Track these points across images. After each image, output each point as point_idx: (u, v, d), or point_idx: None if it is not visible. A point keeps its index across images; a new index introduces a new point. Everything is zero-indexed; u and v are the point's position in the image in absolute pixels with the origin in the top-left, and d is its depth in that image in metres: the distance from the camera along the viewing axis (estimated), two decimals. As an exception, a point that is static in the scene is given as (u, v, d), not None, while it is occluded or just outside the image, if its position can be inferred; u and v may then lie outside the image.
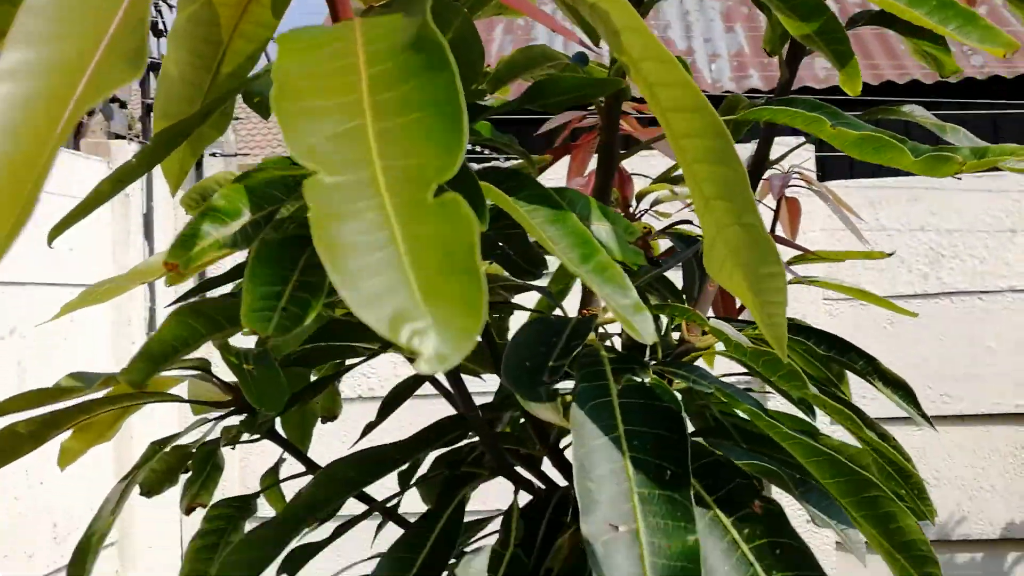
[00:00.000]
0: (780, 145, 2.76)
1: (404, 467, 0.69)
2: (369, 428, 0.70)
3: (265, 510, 0.70)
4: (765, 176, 0.87)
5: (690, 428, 0.77)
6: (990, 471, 2.39)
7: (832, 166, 3.18)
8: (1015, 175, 2.47)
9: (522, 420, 0.69)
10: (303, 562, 0.64)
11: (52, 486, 2.11)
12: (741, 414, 0.70)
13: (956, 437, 2.42)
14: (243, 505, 0.64)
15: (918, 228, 2.48)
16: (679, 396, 0.55)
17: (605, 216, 0.51)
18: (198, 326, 0.47)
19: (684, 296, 0.70)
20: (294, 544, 0.66)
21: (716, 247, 0.42)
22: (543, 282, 0.68)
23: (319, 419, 0.81)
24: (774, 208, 0.91)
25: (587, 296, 0.62)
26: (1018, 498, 2.36)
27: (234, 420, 0.71)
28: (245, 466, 2.40)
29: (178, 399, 0.66)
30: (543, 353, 0.51)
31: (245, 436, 0.71)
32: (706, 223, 0.43)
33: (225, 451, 0.70)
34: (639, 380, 0.54)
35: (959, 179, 0.61)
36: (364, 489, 0.62)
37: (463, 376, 0.62)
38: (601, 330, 0.72)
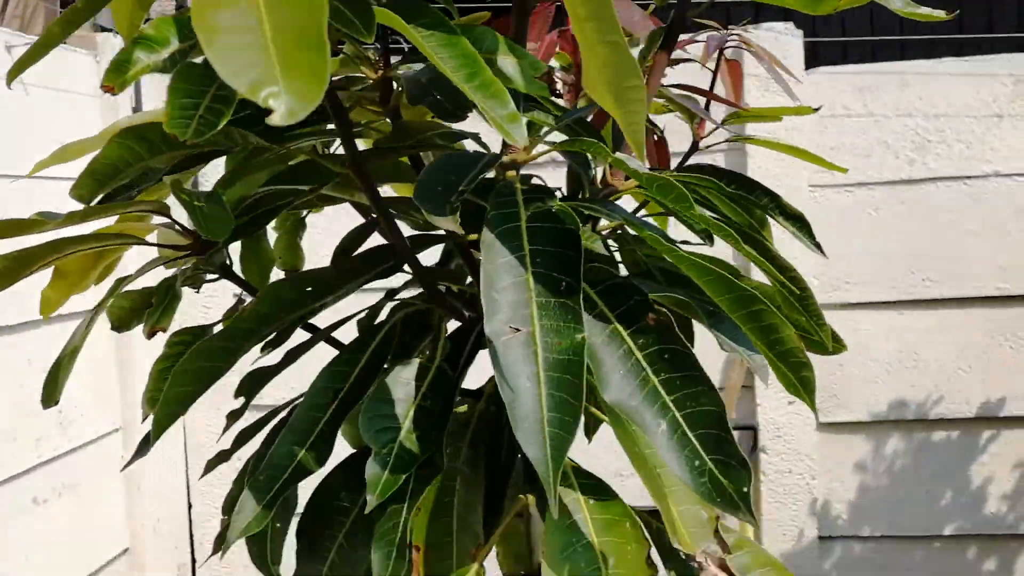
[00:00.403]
0: (768, 31, 2.76)
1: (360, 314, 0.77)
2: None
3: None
4: (702, 37, 0.92)
5: (624, 273, 0.85)
6: (968, 352, 2.47)
7: (824, 52, 3.19)
8: (1002, 60, 2.49)
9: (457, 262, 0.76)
10: (259, 386, 0.73)
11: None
12: (667, 259, 0.77)
13: (936, 320, 2.49)
14: (201, 332, 0.72)
15: (906, 114, 2.52)
16: (580, 222, 0.62)
17: (512, 52, 0.57)
18: (138, 148, 0.54)
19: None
20: (249, 368, 0.74)
21: (590, 66, 0.49)
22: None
23: (283, 271, 0.88)
24: (713, 69, 0.96)
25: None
26: (993, 378, 2.45)
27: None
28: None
29: (143, 242, 0.73)
30: (454, 180, 0.58)
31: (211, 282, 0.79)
32: (582, 45, 0.49)
33: (189, 298, 0.78)
34: (547, 207, 0.62)
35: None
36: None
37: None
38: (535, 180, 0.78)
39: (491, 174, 0.65)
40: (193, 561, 2.72)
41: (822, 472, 2.52)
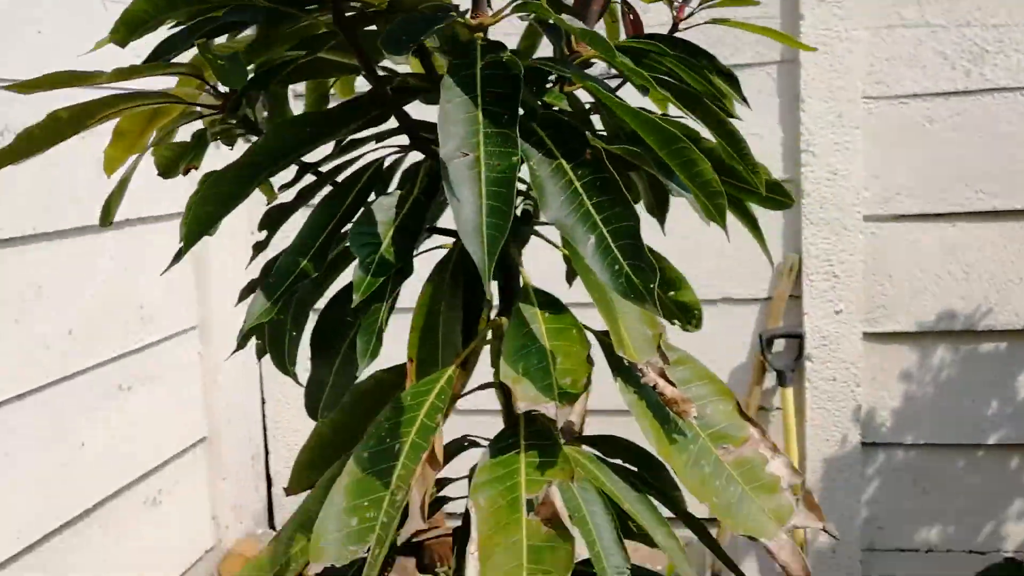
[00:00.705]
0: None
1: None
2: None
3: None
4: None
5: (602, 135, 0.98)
6: (1019, 265, 2.52)
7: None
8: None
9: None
10: (279, 222, 0.89)
11: (137, 272, 2.45)
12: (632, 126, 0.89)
13: (989, 232, 2.54)
14: (226, 173, 0.88)
15: (964, 23, 2.54)
16: (535, 74, 0.76)
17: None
18: (160, 2, 0.69)
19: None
20: (268, 207, 0.90)
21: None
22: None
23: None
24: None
25: (477, 4, 0.81)
26: (1042, 288, 2.50)
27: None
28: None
29: (182, 101, 0.89)
30: (417, 29, 0.72)
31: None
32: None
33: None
34: (499, 58, 0.75)
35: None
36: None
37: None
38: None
39: (464, 38, 0.79)
40: (266, 452, 2.97)
41: (867, 380, 2.62)
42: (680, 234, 2.73)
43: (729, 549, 2.73)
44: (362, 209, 0.80)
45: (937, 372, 2.61)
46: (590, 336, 0.90)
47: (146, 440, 2.49)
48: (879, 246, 2.59)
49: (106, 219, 0.90)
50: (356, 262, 0.77)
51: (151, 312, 2.51)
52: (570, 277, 1.03)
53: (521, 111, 0.74)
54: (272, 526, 2.97)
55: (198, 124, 0.91)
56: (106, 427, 2.33)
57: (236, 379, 2.84)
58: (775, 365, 2.62)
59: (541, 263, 1.02)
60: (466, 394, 0.91)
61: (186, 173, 0.90)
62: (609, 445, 0.97)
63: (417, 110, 0.87)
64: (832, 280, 2.59)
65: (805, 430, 2.64)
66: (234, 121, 0.88)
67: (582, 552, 0.86)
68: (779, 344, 2.66)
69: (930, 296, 2.58)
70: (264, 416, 2.94)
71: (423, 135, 0.84)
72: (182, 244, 0.79)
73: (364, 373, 0.94)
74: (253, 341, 1.01)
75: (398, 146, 0.88)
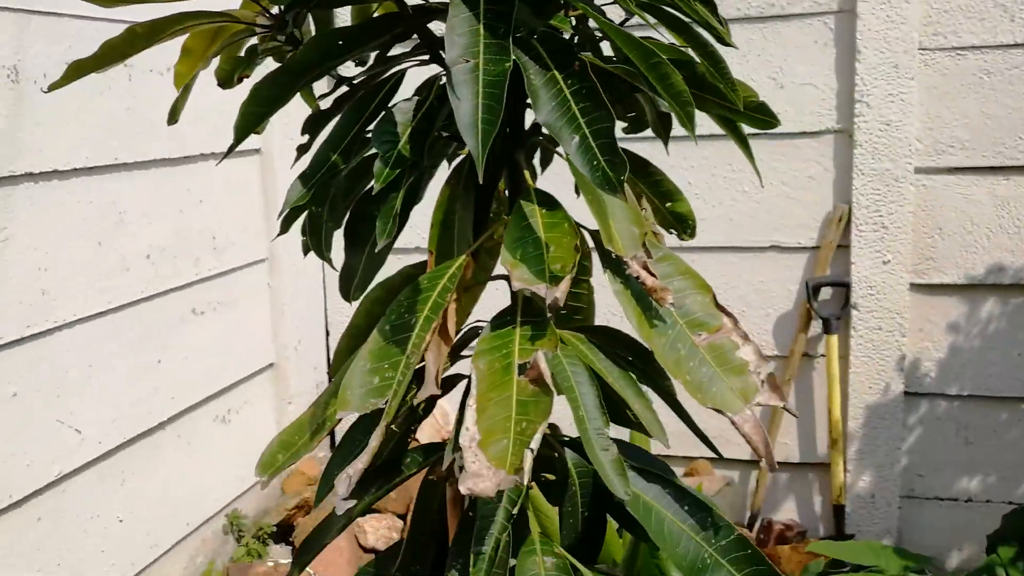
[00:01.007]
0: None
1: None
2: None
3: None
4: None
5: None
6: (1069, 216, 2.57)
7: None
8: None
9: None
10: (319, 126, 1.04)
11: (209, 207, 2.65)
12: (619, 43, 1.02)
13: (1041, 186, 2.59)
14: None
15: (1025, -25, 2.57)
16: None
17: None
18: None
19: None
20: (310, 114, 1.06)
21: None
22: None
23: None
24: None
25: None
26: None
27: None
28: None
29: (237, 21, 1.05)
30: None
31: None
32: None
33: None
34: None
35: None
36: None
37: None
38: None
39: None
40: (330, 380, 3.17)
41: (913, 331, 2.69)
42: (740, 188, 2.82)
43: (768, 495, 2.85)
44: (384, 112, 0.95)
45: (985, 325, 2.67)
46: (586, 236, 1.04)
47: (217, 363, 2.70)
48: (930, 198, 2.65)
49: (173, 118, 1.07)
50: (378, 157, 0.92)
51: (223, 243, 2.72)
52: (578, 190, 1.16)
53: (522, 30, 0.88)
54: (332, 448, 3.17)
55: (254, 42, 1.07)
56: (181, 347, 2.55)
57: (302, 311, 3.04)
58: (821, 313, 2.72)
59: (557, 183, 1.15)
60: (474, 286, 1.05)
61: (239, 81, 1.06)
62: (605, 335, 1.11)
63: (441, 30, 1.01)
64: (881, 231, 2.67)
65: (848, 377, 2.73)
66: (282, 39, 1.04)
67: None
68: (826, 292, 2.75)
69: (980, 249, 2.64)
70: (328, 347, 3.14)
71: (440, 52, 0.98)
72: (233, 140, 0.94)
73: (389, 262, 1.10)
74: (300, 239, 1.17)
75: (419, 60, 1.03)
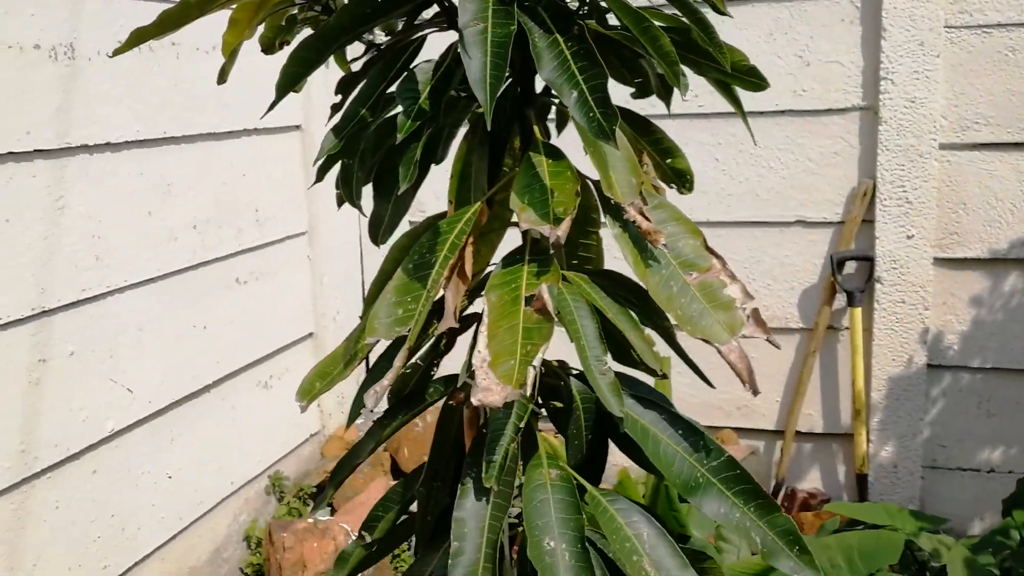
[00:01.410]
0: None
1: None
2: None
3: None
4: None
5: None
6: (1093, 192, 2.64)
7: None
8: None
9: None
10: (351, 86, 1.18)
11: (252, 181, 2.81)
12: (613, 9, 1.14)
13: (1065, 161, 2.67)
14: (312, 48, 1.17)
15: (1051, -47, 2.65)
16: None
17: None
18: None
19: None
20: (343, 76, 1.20)
21: None
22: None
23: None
24: None
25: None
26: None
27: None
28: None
29: (280, -6, 1.19)
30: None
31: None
32: None
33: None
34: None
35: None
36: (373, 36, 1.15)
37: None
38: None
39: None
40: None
41: (936, 304, 2.79)
42: (767, 165, 2.93)
43: (793, 464, 2.96)
44: (406, 72, 1.09)
45: (1008, 298, 2.76)
46: (595, 191, 1.17)
47: (259, 330, 2.87)
48: (954, 174, 2.74)
49: (222, 78, 1.22)
50: (401, 111, 1.05)
51: (265, 216, 2.88)
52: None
53: (529, -3, 1.01)
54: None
55: (293, 12, 1.21)
56: (225, 315, 2.71)
57: (340, 283, 3.20)
58: (845, 286, 2.82)
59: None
60: (489, 232, 1.19)
61: (280, 47, 1.20)
62: (608, 278, 1.23)
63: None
64: (905, 206, 2.76)
65: (872, 349, 2.83)
66: (319, 9, 1.18)
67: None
68: (850, 266, 2.86)
69: (1004, 224, 2.72)
70: (365, 320, 3.29)
71: (456, 18, 1.11)
72: (275, 97, 1.09)
73: (412, 209, 1.24)
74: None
75: (439, 27, 1.16)
